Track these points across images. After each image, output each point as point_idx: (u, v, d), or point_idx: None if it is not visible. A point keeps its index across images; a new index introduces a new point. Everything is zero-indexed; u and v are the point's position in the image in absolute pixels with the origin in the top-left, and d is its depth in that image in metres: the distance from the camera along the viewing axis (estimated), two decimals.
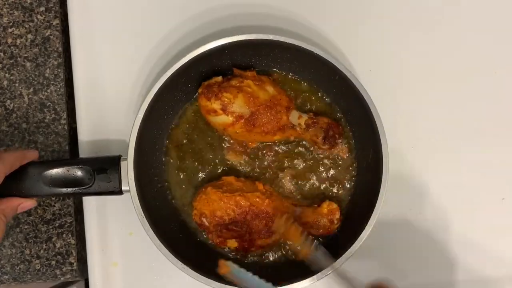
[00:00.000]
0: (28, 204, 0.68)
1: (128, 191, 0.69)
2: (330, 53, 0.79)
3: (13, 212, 0.67)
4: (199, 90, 0.73)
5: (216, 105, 0.71)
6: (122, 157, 0.71)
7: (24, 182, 0.68)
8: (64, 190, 0.69)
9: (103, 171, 0.70)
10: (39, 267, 0.77)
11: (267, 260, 0.76)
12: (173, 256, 0.67)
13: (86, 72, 0.82)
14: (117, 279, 0.78)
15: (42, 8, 0.82)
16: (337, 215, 0.73)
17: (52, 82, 0.81)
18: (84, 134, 0.80)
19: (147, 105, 0.71)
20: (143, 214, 0.68)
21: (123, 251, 0.78)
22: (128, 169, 0.70)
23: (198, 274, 0.67)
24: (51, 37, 0.82)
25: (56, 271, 0.78)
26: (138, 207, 0.68)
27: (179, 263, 0.67)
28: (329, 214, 0.73)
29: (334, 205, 0.74)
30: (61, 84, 0.81)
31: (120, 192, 0.70)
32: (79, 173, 0.69)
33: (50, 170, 0.69)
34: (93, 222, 0.78)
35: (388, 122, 0.71)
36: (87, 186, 0.69)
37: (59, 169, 0.69)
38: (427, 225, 0.80)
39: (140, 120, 0.71)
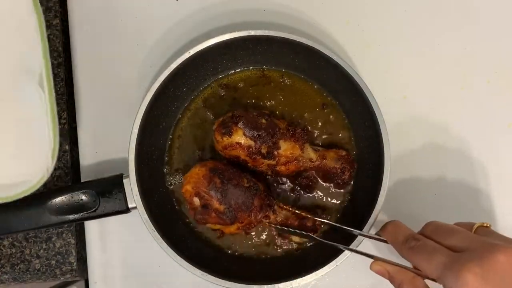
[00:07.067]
0: None
1: (135, 207, 0.69)
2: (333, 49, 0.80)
3: None
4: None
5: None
6: (124, 175, 0.71)
7: (30, 214, 0.68)
8: (71, 217, 0.69)
9: (107, 192, 0.70)
10: (39, 267, 0.78)
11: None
12: (190, 265, 0.67)
13: (86, 72, 0.81)
14: (117, 279, 0.78)
15: (42, 8, 0.79)
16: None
17: None
18: (85, 136, 0.80)
19: (139, 121, 0.70)
20: (153, 228, 0.68)
21: (123, 251, 0.79)
22: (131, 186, 0.69)
23: (218, 279, 0.67)
24: (51, 37, 0.80)
25: (56, 271, 0.78)
26: (148, 221, 0.68)
27: (198, 271, 0.67)
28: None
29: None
30: (61, 84, 0.81)
31: (127, 210, 0.70)
32: (83, 197, 0.69)
33: (54, 199, 0.68)
34: (93, 222, 0.78)
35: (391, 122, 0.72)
36: (93, 209, 0.69)
37: (63, 197, 0.68)
38: None
39: (135, 136, 0.70)
